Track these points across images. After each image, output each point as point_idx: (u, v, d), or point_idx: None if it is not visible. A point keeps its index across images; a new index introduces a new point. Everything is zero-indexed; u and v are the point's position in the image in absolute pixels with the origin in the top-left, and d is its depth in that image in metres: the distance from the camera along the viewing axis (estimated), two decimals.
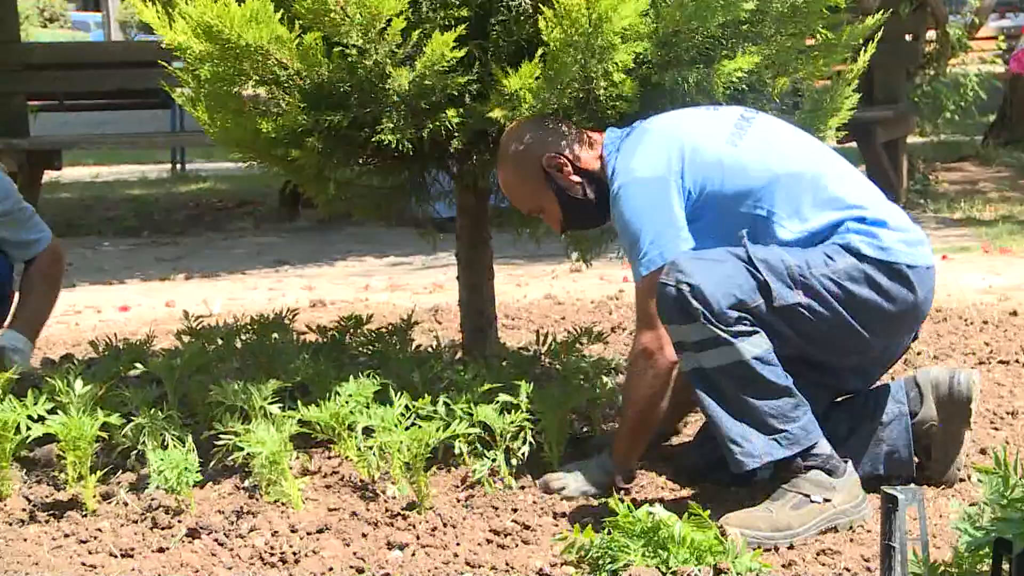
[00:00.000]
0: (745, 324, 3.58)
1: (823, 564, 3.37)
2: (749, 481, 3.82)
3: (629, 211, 3.79)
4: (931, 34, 14.44)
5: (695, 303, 3.54)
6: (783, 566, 3.36)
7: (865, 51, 4.54)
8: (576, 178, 3.99)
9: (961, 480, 3.95)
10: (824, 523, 3.59)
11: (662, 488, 3.98)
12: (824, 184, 3.78)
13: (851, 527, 3.61)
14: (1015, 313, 6.59)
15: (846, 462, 3.69)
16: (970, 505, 2.91)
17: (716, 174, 3.77)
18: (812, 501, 3.59)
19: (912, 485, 2.72)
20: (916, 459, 3.97)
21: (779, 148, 3.85)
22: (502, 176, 4.13)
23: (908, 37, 12.36)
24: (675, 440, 4.46)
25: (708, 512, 3.34)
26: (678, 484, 4.00)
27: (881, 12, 4.56)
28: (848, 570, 3.32)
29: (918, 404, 3.95)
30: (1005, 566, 2.36)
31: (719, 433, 3.64)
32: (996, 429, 4.57)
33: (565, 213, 4.05)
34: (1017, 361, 5.59)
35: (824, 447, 3.66)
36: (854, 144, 11.57)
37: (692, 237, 3.74)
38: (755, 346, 3.58)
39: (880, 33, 4.64)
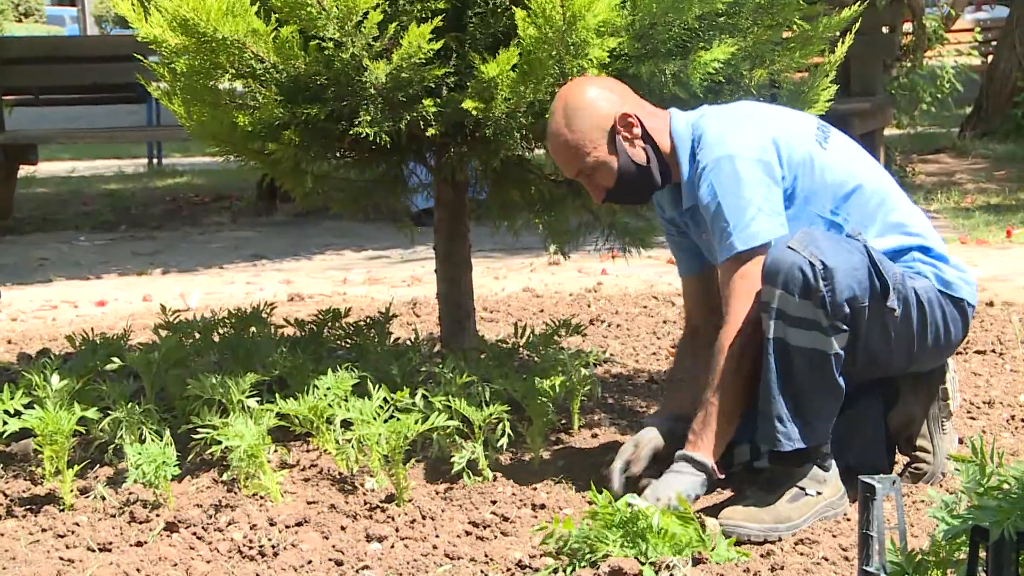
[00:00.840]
0: (846, 320, 3.54)
1: (801, 554, 3.39)
2: (728, 468, 3.83)
3: (728, 184, 3.64)
4: (908, 26, 14.47)
5: (821, 283, 3.49)
6: (762, 556, 3.37)
7: (842, 43, 4.54)
8: (642, 143, 3.83)
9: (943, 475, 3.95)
10: (818, 515, 3.62)
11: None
12: (893, 206, 3.79)
13: (836, 518, 3.63)
14: (991, 304, 6.62)
15: (831, 457, 3.71)
16: (948, 494, 2.91)
17: (807, 169, 3.73)
18: (807, 494, 3.61)
19: (890, 474, 2.73)
20: (900, 451, 3.97)
21: (859, 161, 3.84)
22: (559, 130, 3.81)
23: (885, 29, 12.39)
24: None
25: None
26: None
27: (858, 4, 4.57)
28: (826, 559, 3.33)
29: (894, 397, 3.94)
30: (982, 554, 2.37)
31: (768, 404, 3.60)
32: (973, 418, 4.59)
33: (619, 178, 3.82)
34: (994, 351, 5.61)
35: (827, 446, 3.69)
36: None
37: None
38: (840, 343, 3.56)
39: (857, 25, 4.65)
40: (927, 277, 3.73)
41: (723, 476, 3.68)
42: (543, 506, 3.75)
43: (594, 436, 4.37)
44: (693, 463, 3.63)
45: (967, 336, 3.87)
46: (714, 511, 3.59)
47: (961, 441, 4.21)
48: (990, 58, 17.15)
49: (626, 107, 3.82)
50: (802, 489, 3.62)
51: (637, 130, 3.81)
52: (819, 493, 3.63)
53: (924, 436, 3.93)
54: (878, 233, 3.75)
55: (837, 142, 3.85)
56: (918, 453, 3.93)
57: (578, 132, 3.80)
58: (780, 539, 3.51)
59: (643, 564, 3.19)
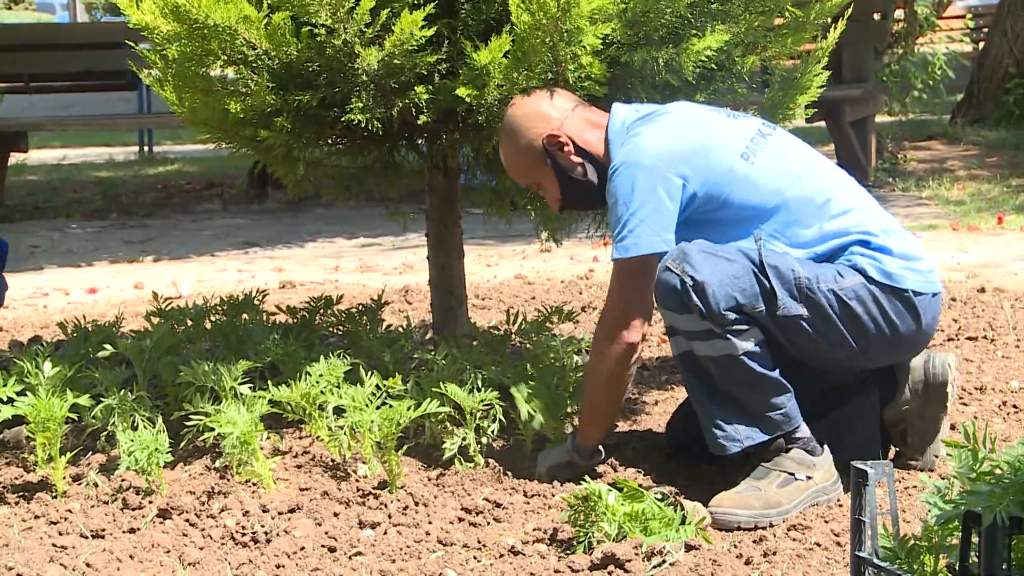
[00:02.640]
0: (740, 324, 3.57)
1: (794, 539, 3.39)
2: (721, 459, 3.83)
3: (623, 191, 3.69)
4: (899, 13, 14.47)
5: (695, 298, 3.53)
6: (755, 542, 3.37)
7: (833, 30, 4.54)
8: (576, 158, 3.88)
9: (931, 471, 3.94)
10: (809, 499, 3.62)
11: (637, 471, 3.98)
12: (833, 210, 3.75)
13: (828, 504, 3.63)
14: (983, 290, 6.63)
15: (822, 444, 3.72)
16: (940, 479, 2.92)
17: (727, 181, 3.71)
18: (796, 479, 3.61)
19: (883, 460, 2.73)
20: (893, 444, 3.97)
21: (793, 169, 3.79)
22: (502, 149, 4.00)
23: (876, 16, 12.38)
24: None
25: (679, 492, 3.34)
26: (648, 465, 4.01)
27: None
28: (819, 545, 3.34)
29: (892, 389, 3.91)
30: (975, 539, 2.37)
31: (702, 416, 3.67)
32: (965, 404, 4.60)
33: (563, 192, 3.94)
34: (985, 337, 5.62)
35: (804, 431, 3.69)
36: (823, 123, 11.60)
37: (676, 241, 3.68)
38: (748, 340, 3.58)
39: (848, 12, 4.66)
40: (863, 270, 3.68)
41: (597, 459, 3.89)
42: (536, 493, 3.75)
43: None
44: (569, 447, 3.90)
45: (928, 324, 3.78)
46: (704, 497, 3.59)
47: (953, 427, 4.21)
48: (981, 45, 17.18)
49: (557, 125, 3.88)
50: (791, 474, 3.62)
51: (568, 148, 3.88)
52: (809, 478, 3.63)
53: (916, 432, 3.92)
54: (815, 241, 3.72)
55: (769, 155, 3.78)
56: (909, 450, 3.93)
57: (516, 154, 3.96)
58: (771, 525, 3.52)
59: (636, 548, 3.20)
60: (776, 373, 3.64)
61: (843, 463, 3.63)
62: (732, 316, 3.56)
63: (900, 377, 3.90)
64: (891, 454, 3.98)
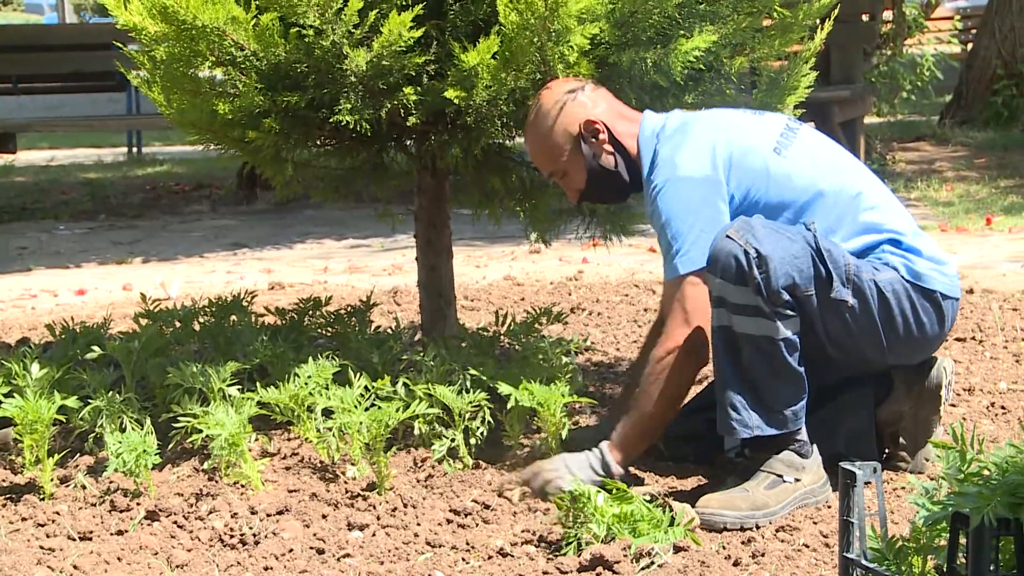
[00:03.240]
0: (788, 307, 3.57)
1: (782, 540, 3.39)
2: (713, 459, 3.84)
3: (673, 207, 3.72)
4: (888, 14, 14.50)
5: (756, 271, 3.52)
6: (743, 543, 3.37)
7: (821, 31, 4.55)
8: (610, 148, 3.91)
9: (921, 473, 3.94)
10: (797, 502, 3.62)
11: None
12: (864, 205, 3.78)
13: (816, 506, 3.64)
14: (971, 291, 6.63)
15: (812, 444, 3.72)
16: (928, 480, 2.92)
17: (762, 182, 3.75)
18: (784, 481, 3.61)
19: (871, 462, 2.73)
20: (886, 447, 3.97)
21: (824, 162, 3.83)
22: (532, 132, 3.98)
23: (865, 17, 12.39)
24: None
25: (667, 494, 3.34)
26: (637, 466, 4.01)
27: None
28: (807, 546, 3.34)
29: (887, 390, 3.92)
30: (962, 540, 2.37)
31: (722, 393, 3.65)
32: (953, 405, 4.60)
33: (589, 182, 3.94)
34: (974, 338, 5.63)
35: (803, 434, 3.69)
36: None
37: None
38: (789, 328, 3.58)
39: (836, 12, 4.66)
40: (895, 268, 3.72)
41: (622, 477, 3.70)
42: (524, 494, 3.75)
43: (575, 424, 4.37)
44: (601, 460, 3.73)
45: (948, 328, 3.83)
46: (692, 499, 3.59)
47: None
48: (970, 46, 17.19)
49: (594, 112, 3.89)
50: (779, 476, 3.62)
51: (603, 136, 3.90)
52: (797, 480, 3.63)
53: (908, 434, 3.92)
54: (847, 235, 3.75)
55: (801, 147, 3.83)
56: (900, 452, 3.93)
57: (547, 137, 3.94)
58: (758, 526, 3.52)
59: (624, 549, 3.20)
60: (803, 370, 3.63)
61: (834, 455, 3.66)
62: (785, 297, 3.55)
63: (896, 378, 3.90)
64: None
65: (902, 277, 3.71)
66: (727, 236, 3.56)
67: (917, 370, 3.88)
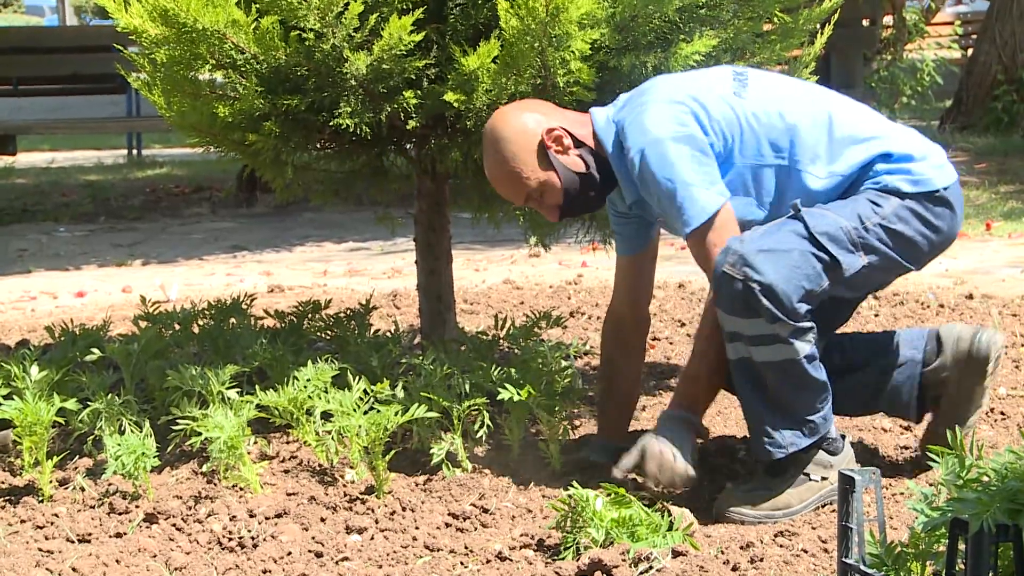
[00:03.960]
0: (805, 319, 3.54)
1: (781, 546, 3.39)
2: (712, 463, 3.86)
3: (659, 170, 3.65)
4: (888, 19, 14.51)
5: (765, 302, 3.48)
6: (742, 548, 3.37)
7: (822, 35, 4.55)
8: (576, 150, 3.82)
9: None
10: (820, 500, 3.65)
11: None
12: (837, 121, 3.74)
13: (816, 512, 3.65)
14: (971, 296, 6.63)
15: (844, 438, 3.73)
16: (927, 486, 2.92)
17: (733, 127, 3.71)
18: (811, 479, 3.63)
19: (870, 467, 2.73)
20: (925, 410, 3.98)
21: (782, 94, 3.80)
22: (493, 164, 3.84)
23: (865, 22, 12.42)
24: None
25: (667, 499, 3.34)
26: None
27: None
28: (806, 551, 3.34)
29: (934, 356, 3.94)
30: (961, 546, 2.37)
31: (752, 421, 3.67)
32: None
33: (566, 192, 3.82)
34: None
35: (833, 431, 3.69)
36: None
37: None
38: (807, 343, 3.56)
39: (837, 17, 4.66)
40: (894, 190, 3.69)
41: (705, 431, 3.82)
42: (522, 497, 3.75)
43: (574, 428, 4.37)
44: (679, 420, 3.73)
45: (960, 211, 3.81)
46: (695, 504, 3.60)
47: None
48: (970, 51, 17.18)
49: (547, 122, 3.82)
50: (807, 475, 3.64)
51: (567, 140, 3.81)
52: (824, 479, 3.64)
53: (951, 401, 3.93)
54: (831, 158, 3.72)
55: (756, 86, 3.80)
56: (939, 419, 3.95)
57: (512, 160, 3.80)
58: (776, 522, 3.56)
59: (623, 554, 3.20)
60: (825, 376, 3.63)
61: (869, 410, 3.91)
62: (804, 307, 3.53)
63: (945, 343, 3.93)
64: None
65: (905, 194, 3.69)
66: (724, 273, 3.53)
67: (969, 340, 3.90)
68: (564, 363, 4.34)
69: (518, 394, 3.88)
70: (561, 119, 3.85)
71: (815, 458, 3.67)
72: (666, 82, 3.84)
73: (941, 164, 3.79)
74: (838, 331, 4.02)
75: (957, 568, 2.39)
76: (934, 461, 2.54)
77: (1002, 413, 4.56)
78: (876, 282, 3.84)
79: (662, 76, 3.94)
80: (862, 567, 2.60)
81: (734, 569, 3.22)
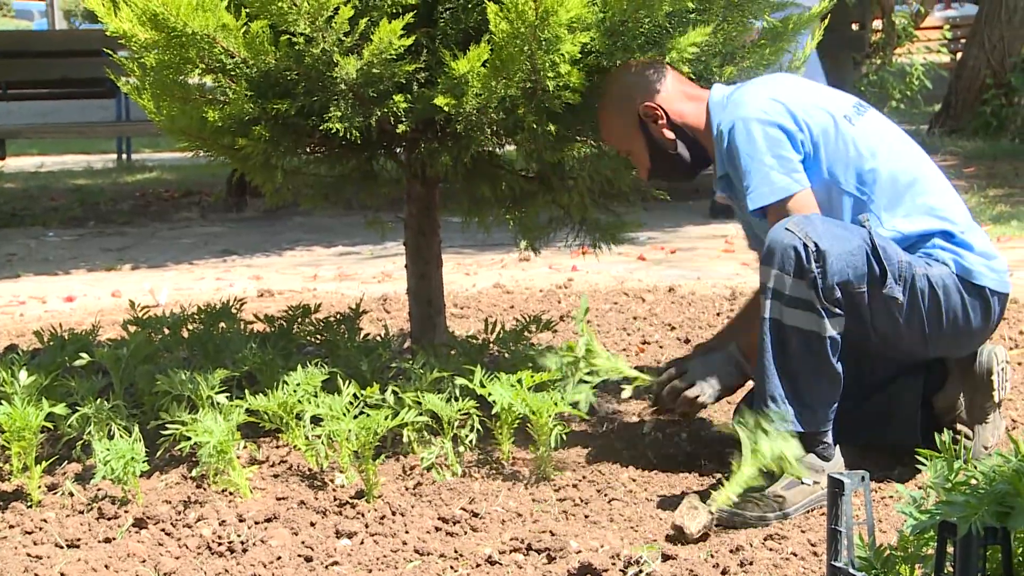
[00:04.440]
0: (839, 305, 3.62)
1: (771, 549, 3.39)
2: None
3: (742, 145, 3.79)
4: (877, 23, 14.54)
5: (813, 265, 3.58)
6: (731, 552, 3.37)
7: (811, 40, 4.56)
8: (669, 133, 4.03)
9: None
10: (811, 503, 3.67)
11: (645, 459, 3.99)
12: (923, 189, 3.84)
13: (805, 515, 3.65)
14: None
15: (835, 447, 3.76)
16: (916, 489, 2.93)
17: (829, 140, 3.81)
18: (803, 483, 3.65)
19: (859, 470, 2.74)
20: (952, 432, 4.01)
21: (890, 141, 3.90)
22: (601, 114, 4.14)
23: (855, 26, 12.43)
24: None
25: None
26: (665, 451, 4.02)
27: (827, 1, 4.59)
28: (795, 555, 3.34)
29: (942, 379, 4.00)
30: (949, 549, 2.38)
31: (763, 384, 3.70)
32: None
33: (653, 161, 4.08)
34: None
35: (828, 435, 3.73)
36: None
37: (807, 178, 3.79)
38: (835, 327, 3.63)
39: (826, 22, 4.67)
40: (946, 264, 3.77)
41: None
42: (513, 501, 3.75)
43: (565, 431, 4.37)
44: (736, 361, 4.00)
45: (995, 322, 3.88)
46: (709, 494, 3.61)
47: (1010, 430, 4.27)
48: (959, 55, 17.23)
49: (653, 96, 4.02)
50: (799, 478, 3.66)
51: (662, 120, 4.02)
52: (816, 483, 3.66)
53: (964, 423, 3.98)
54: (905, 214, 3.80)
55: (870, 122, 3.91)
56: (957, 438, 3.96)
57: (610, 120, 4.12)
58: (768, 524, 3.57)
59: (612, 558, 3.20)
60: (841, 372, 3.68)
61: (887, 445, 3.93)
62: (838, 294, 3.61)
63: (949, 367, 3.98)
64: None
65: (952, 272, 3.76)
66: (786, 228, 3.62)
67: (969, 358, 3.94)
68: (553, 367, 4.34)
69: (508, 398, 3.89)
70: (668, 94, 4.04)
71: (808, 462, 3.68)
72: (789, 79, 4.02)
73: (999, 270, 3.86)
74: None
75: (945, 571, 2.39)
76: (922, 464, 2.54)
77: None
78: (893, 337, 3.78)
79: (787, 75, 4.12)
80: (851, 570, 2.60)
81: (724, 572, 3.23)
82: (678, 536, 3.43)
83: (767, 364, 3.69)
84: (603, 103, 4.12)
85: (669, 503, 3.73)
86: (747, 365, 3.95)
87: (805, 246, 3.58)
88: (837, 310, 3.62)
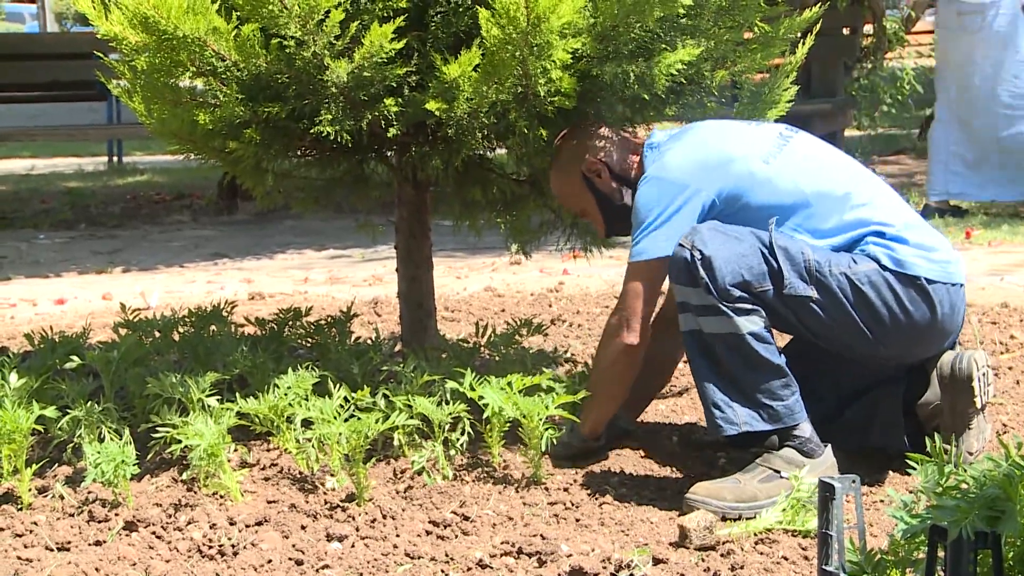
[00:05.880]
0: (745, 302, 3.67)
1: (761, 553, 3.40)
2: (744, 448, 3.92)
3: (644, 201, 3.89)
4: (868, 28, 14.54)
5: (702, 271, 3.65)
6: (722, 556, 3.37)
7: (803, 44, 4.56)
8: (614, 184, 4.12)
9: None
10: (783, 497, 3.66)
11: (636, 462, 4.00)
12: (852, 203, 3.87)
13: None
14: None
15: (826, 446, 3.77)
16: (907, 493, 2.93)
17: (745, 186, 3.85)
18: (781, 476, 3.67)
19: (850, 474, 2.74)
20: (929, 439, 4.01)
21: (812, 168, 3.92)
22: (551, 179, 4.29)
23: (846, 31, 12.44)
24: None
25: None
26: (656, 455, 4.04)
27: (818, 5, 4.59)
28: (786, 559, 3.34)
29: (924, 385, 4.01)
30: (940, 553, 2.38)
31: (704, 395, 3.75)
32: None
33: (605, 218, 4.17)
34: None
35: (805, 430, 3.75)
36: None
37: None
38: (752, 323, 3.68)
39: (818, 26, 4.68)
40: (876, 259, 3.78)
41: (592, 443, 4.11)
42: (503, 505, 3.75)
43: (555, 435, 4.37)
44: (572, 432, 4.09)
45: (946, 316, 3.86)
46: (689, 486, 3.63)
47: (1001, 434, 4.28)
48: None
49: (592, 152, 4.13)
50: (776, 471, 3.68)
51: (605, 174, 4.11)
52: (796, 478, 3.66)
53: (947, 428, 3.97)
54: (833, 233, 3.84)
55: (789, 156, 3.92)
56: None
57: (561, 182, 4.24)
58: (740, 517, 3.59)
59: (603, 561, 3.20)
60: (781, 361, 3.73)
61: (869, 449, 3.95)
62: (737, 293, 3.67)
63: (931, 373, 3.99)
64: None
65: (882, 266, 3.77)
66: (679, 243, 3.71)
67: (950, 364, 3.95)
68: (545, 371, 4.34)
69: (499, 401, 3.89)
70: (609, 149, 4.15)
71: (786, 456, 3.72)
72: (711, 129, 4.06)
73: (939, 260, 3.86)
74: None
75: (936, 575, 2.39)
76: (913, 468, 2.55)
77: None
78: (836, 336, 3.81)
79: (716, 121, 4.17)
80: (842, 575, 2.60)
81: None
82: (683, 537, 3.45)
83: (700, 375, 3.76)
84: (553, 171, 4.26)
85: (660, 507, 3.73)
86: (575, 443, 4.11)
87: (691, 255, 3.67)
88: (746, 306, 3.67)
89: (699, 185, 3.84)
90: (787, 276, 3.70)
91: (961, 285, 3.91)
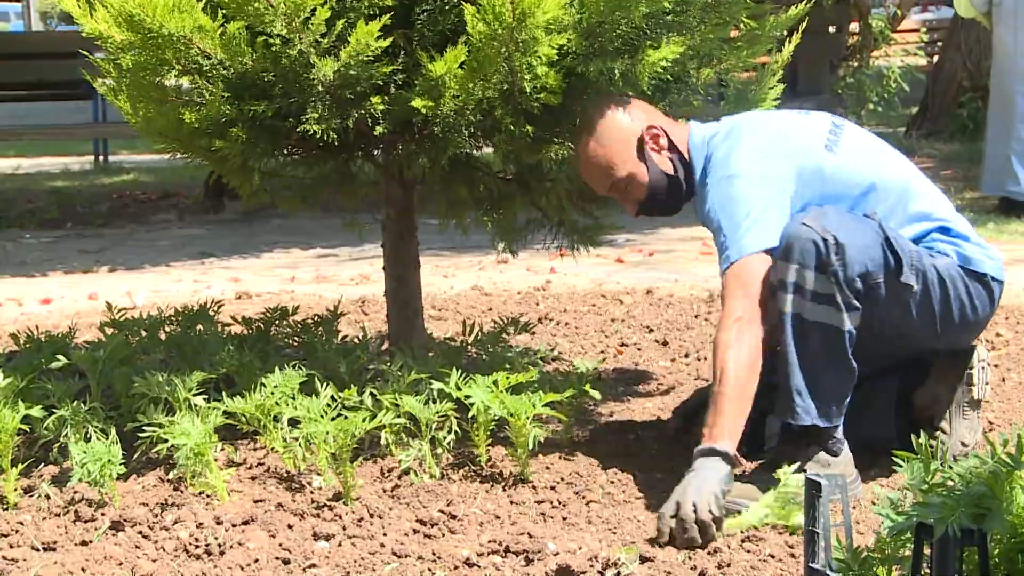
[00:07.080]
0: (858, 297, 3.67)
1: (748, 551, 3.40)
2: (757, 453, 3.92)
3: (726, 205, 3.81)
4: (854, 26, 14.57)
5: (834, 258, 3.62)
6: (709, 554, 3.38)
7: (789, 42, 4.57)
8: (669, 154, 4.04)
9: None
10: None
11: (623, 461, 4.00)
12: (912, 195, 3.91)
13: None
14: None
15: (844, 442, 3.80)
16: (894, 490, 2.93)
17: (817, 180, 3.86)
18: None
19: (837, 473, 2.75)
20: (922, 429, 4.02)
21: (872, 156, 3.96)
22: (591, 145, 4.04)
23: (832, 29, 12.47)
24: None
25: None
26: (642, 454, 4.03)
27: (804, 3, 4.60)
28: (773, 556, 3.34)
29: (923, 374, 4.03)
30: (926, 550, 2.38)
31: (788, 379, 3.72)
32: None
33: (650, 189, 4.03)
34: None
35: (839, 431, 3.78)
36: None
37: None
38: (852, 321, 3.67)
39: (804, 24, 4.68)
40: (948, 255, 3.84)
41: (745, 463, 3.69)
42: (491, 503, 3.75)
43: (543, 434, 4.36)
44: (714, 454, 3.57)
45: (994, 311, 3.98)
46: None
47: (987, 431, 4.30)
48: (936, 58, 17.29)
49: (651, 120, 4.04)
50: (803, 472, 3.67)
51: (663, 140, 4.04)
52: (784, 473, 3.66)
53: (944, 418, 4.01)
54: (900, 224, 3.86)
55: (849, 142, 3.96)
56: (937, 434, 4.01)
57: (608, 147, 4.03)
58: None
59: (590, 560, 3.20)
60: (855, 367, 3.72)
61: (859, 437, 3.89)
62: (859, 285, 3.66)
63: (931, 363, 4.02)
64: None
65: (955, 262, 3.83)
66: (803, 224, 3.66)
67: (951, 355, 3.99)
68: (532, 369, 4.34)
69: (486, 400, 3.89)
70: (662, 119, 4.08)
71: (815, 456, 3.75)
72: (763, 123, 4.02)
73: (995, 258, 3.94)
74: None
75: (922, 573, 2.39)
76: (899, 466, 2.55)
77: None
78: (905, 329, 3.83)
79: (761, 113, 4.17)
80: (829, 572, 2.60)
81: (701, 574, 3.23)
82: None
83: (790, 358, 3.71)
84: (594, 138, 4.04)
85: (647, 505, 3.73)
86: (737, 460, 3.60)
87: (824, 240, 3.62)
88: (856, 303, 3.67)
89: (781, 176, 3.82)
90: (904, 266, 3.71)
91: (1004, 282, 3.98)
